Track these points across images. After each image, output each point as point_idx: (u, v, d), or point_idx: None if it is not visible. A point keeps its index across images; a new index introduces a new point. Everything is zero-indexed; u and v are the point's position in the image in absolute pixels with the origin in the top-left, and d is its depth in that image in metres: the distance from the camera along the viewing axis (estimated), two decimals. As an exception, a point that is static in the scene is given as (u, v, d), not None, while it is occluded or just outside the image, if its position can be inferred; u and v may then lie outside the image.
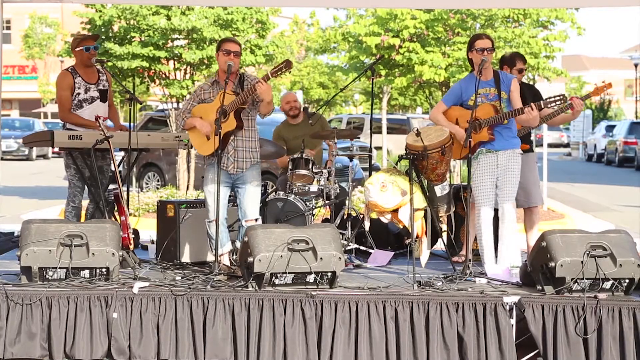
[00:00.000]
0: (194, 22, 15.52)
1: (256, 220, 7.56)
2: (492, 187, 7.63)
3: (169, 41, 16.04)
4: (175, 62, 16.27)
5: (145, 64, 15.74)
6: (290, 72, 33.88)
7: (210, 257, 7.90)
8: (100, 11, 15.65)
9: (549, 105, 7.54)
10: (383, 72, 17.44)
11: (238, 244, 7.54)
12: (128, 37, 15.82)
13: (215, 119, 7.34)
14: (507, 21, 16.26)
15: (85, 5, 15.85)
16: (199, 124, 7.52)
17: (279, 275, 6.69)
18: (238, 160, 7.54)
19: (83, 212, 8.67)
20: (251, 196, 7.58)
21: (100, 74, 8.64)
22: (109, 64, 14.72)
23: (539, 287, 6.81)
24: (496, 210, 7.72)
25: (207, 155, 7.59)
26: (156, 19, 15.49)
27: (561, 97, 7.47)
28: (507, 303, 6.60)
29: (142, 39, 15.78)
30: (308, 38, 35.44)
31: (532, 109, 7.42)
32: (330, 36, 18.59)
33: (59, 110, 8.60)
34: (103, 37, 15.79)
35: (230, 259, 7.62)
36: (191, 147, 9.64)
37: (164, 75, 16.34)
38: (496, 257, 7.61)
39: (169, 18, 15.64)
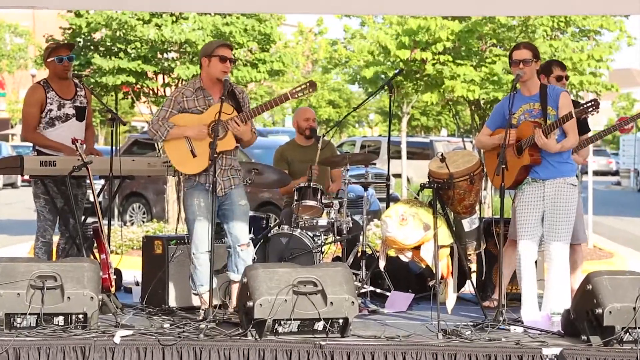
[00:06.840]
0: (187, 34, 15.50)
1: (248, 245, 7.59)
2: (537, 221, 7.61)
3: (159, 53, 16.07)
4: (165, 77, 16.29)
5: (131, 79, 15.76)
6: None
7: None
8: (81, 16, 15.57)
9: (582, 116, 7.61)
10: (407, 86, 17.47)
11: (232, 276, 7.57)
12: (114, 49, 15.84)
13: (209, 141, 7.31)
14: (551, 30, 16.24)
15: (67, 10, 15.85)
16: (193, 133, 7.48)
17: (282, 322, 6.69)
18: (224, 180, 7.58)
19: (55, 248, 8.66)
20: (241, 217, 7.62)
21: (77, 89, 8.60)
22: (90, 80, 14.75)
23: (584, 338, 6.79)
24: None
25: (190, 175, 7.56)
26: (145, 30, 15.43)
27: (592, 101, 7.48)
28: (547, 356, 6.59)
29: (129, 51, 15.78)
30: (315, 50, 35.56)
31: (540, 136, 7.37)
32: (344, 46, 18.65)
33: (22, 129, 8.58)
34: (84, 47, 15.83)
35: (220, 298, 7.63)
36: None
37: (151, 92, 16.37)
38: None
39: (159, 27, 15.61)
